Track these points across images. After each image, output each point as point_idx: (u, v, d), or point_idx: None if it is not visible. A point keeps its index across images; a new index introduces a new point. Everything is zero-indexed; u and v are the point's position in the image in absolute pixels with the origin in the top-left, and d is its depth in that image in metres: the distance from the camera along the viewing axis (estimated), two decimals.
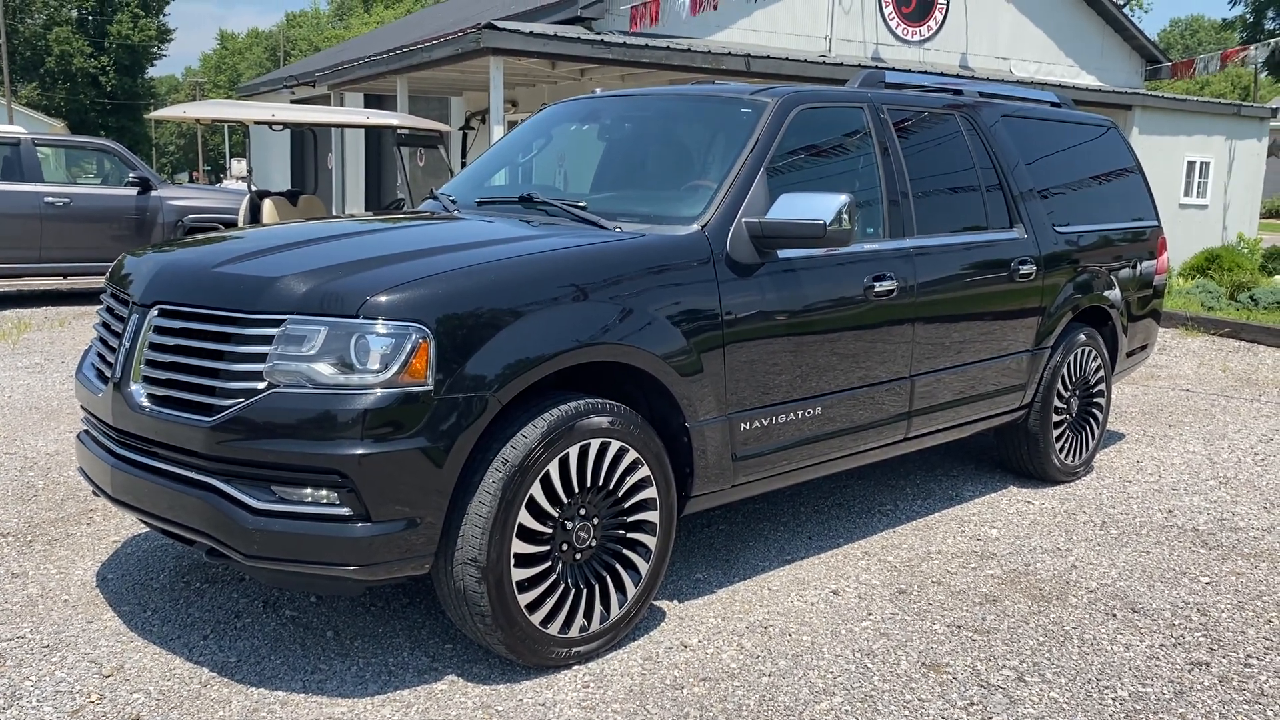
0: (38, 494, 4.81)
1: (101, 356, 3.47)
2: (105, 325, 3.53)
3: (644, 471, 3.36)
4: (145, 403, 3.11)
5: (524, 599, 3.10)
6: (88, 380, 3.49)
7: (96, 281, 12.51)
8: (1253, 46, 17.47)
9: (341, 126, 13.75)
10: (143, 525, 4.14)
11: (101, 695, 3.04)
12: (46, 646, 3.33)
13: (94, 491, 3.41)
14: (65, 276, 11.58)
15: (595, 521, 3.29)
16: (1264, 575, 4.20)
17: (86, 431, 3.54)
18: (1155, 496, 5.21)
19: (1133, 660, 3.43)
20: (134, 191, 11.48)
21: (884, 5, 15.62)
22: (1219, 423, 6.81)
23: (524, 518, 3.07)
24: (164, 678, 3.14)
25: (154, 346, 3.15)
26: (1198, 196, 17.26)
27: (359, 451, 2.81)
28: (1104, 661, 3.42)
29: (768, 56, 12.95)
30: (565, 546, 3.21)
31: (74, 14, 57.68)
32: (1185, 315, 10.94)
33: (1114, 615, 3.78)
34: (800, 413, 3.88)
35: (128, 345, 3.21)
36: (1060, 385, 5.24)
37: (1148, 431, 6.54)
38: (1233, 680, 3.32)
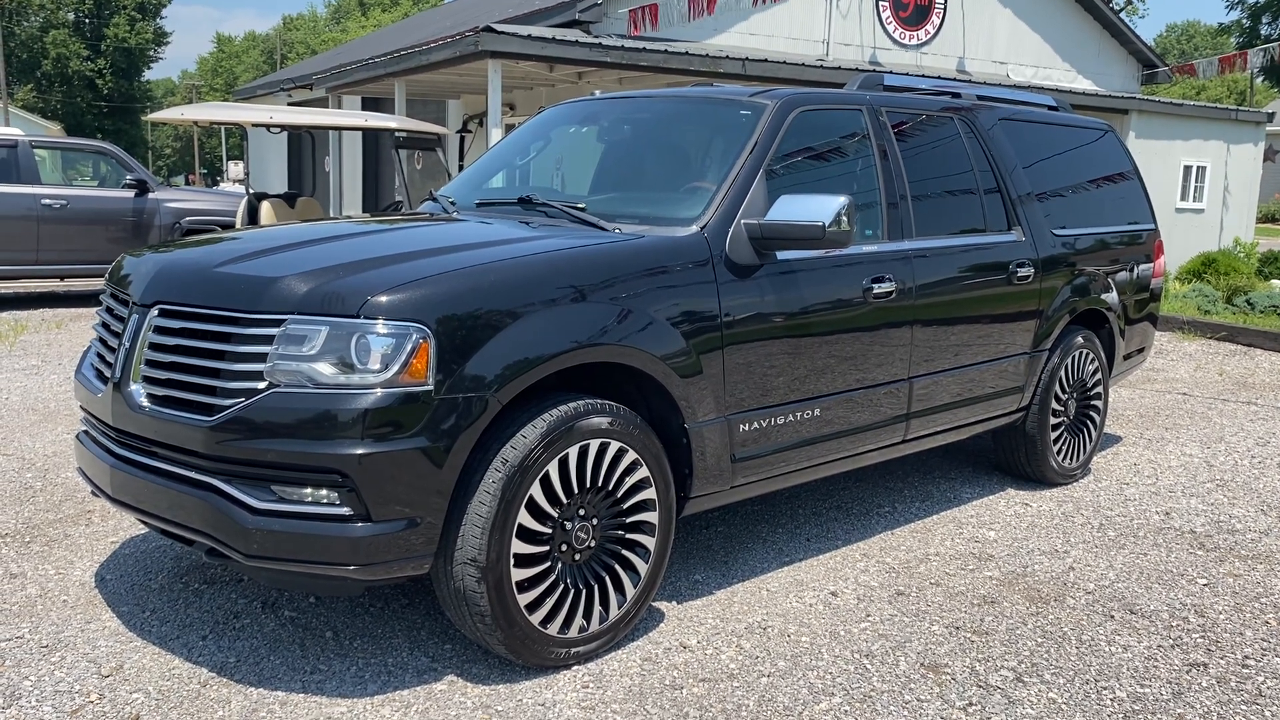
0: (35, 495, 4.81)
1: (101, 357, 3.47)
2: (105, 325, 3.52)
3: (643, 472, 3.37)
4: (145, 402, 3.11)
5: (523, 599, 3.10)
6: (87, 380, 3.49)
7: (93, 283, 12.51)
8: (1250, 52, 17.51)
9: (339, 129, 13.75)
10: (141, 525, 4.14)
11: (101, 695, 3.03)
12: (45, 647, 3.32)
13: (93, 492, 3.41)
14: (62, 278, 11.59)
15: (594, 522, 3.29)
16: (1261, 577, 4.21)
17: (85, 432, 3.54)
18: (1152, 499, 5.22)
19: (1131, 661, 3.44)
20: (131, 194, 11.48)
21: (881, 9, 15.65)
22: (1216, 426, 6.82)
23: (524, 518, 3.07)
24: (163, 678, 3.14)
25: (154, 346, 3.15)
26: (1194, 201, 17.30)
27: (359, 451, 2.81)
28: (1102, 662, 3.42)
29: (765, 60, 12.96)
30: (565, 547, 3.22)
31: (71, 17, 57.64)
32: (1182, 319, 10.97)
33: (1112, 616, 3.78)
34: (799, 414, 3.88)
35: (127, 345, 3.21)
36: (1058, 388, 5.25)
37: (1145, 434, 6.55)
38: (1230, 681, 3.33)
